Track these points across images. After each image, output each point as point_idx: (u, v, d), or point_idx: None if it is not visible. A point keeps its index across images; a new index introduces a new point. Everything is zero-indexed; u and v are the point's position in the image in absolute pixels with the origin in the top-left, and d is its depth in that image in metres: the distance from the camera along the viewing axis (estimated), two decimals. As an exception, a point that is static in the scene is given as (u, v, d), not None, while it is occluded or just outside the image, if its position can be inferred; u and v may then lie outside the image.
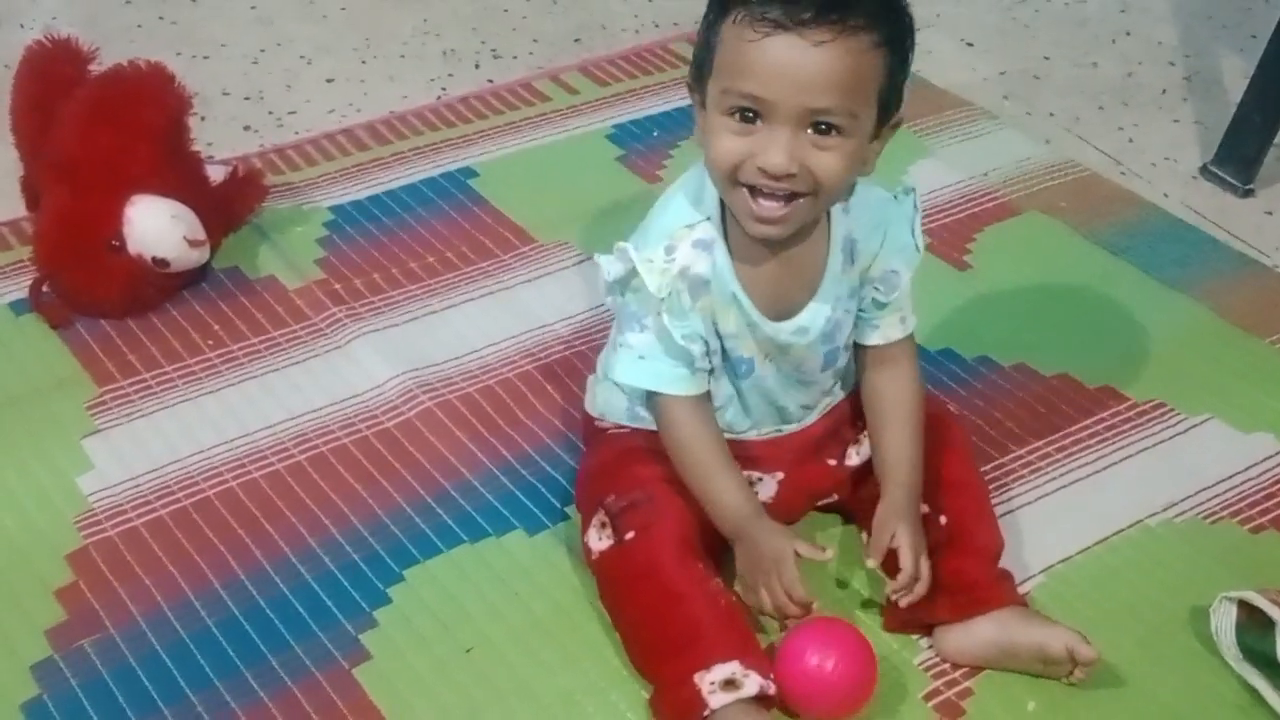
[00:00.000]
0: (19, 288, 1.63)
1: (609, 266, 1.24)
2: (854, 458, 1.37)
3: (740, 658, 1.19)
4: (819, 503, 1.40)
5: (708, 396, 1.29)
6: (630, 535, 1.26)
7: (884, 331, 1.32)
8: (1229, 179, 1.96)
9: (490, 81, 2.10)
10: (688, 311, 1.23)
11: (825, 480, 1.38)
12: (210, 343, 1.59)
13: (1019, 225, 1.86)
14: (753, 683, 1.18)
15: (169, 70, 1.62)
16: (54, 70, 1.64)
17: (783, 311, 1.25)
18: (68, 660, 1.25)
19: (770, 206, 1.16)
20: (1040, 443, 1.52)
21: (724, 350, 1.28)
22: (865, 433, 1.35)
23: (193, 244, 1.57)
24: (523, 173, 1.91)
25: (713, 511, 1.26)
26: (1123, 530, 1.42)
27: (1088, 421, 1.55)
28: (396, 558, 1.36)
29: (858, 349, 1.34)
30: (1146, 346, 1.66)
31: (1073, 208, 1.89)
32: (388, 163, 1.90)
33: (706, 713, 1.17)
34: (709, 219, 1.23)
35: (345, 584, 1.33)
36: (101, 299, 1.57)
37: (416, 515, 1.40)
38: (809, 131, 1.13)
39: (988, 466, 1.48)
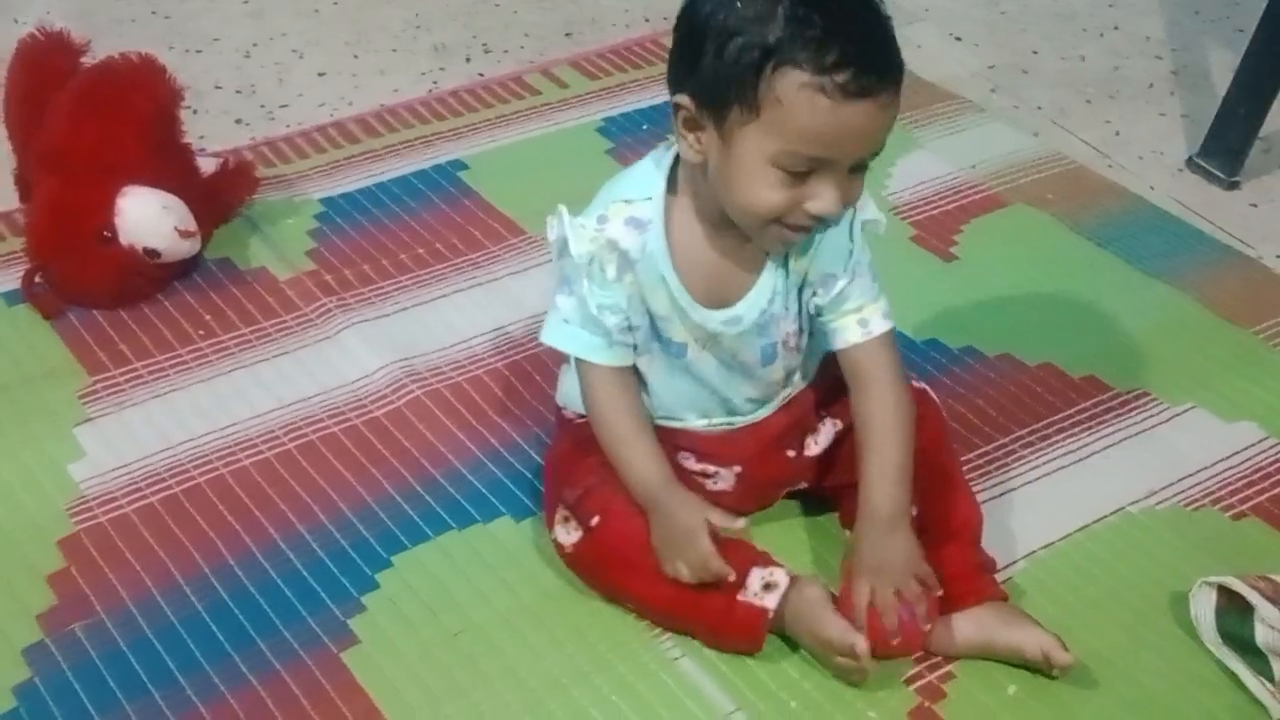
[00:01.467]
0: (11, 279, 1.64)
1: (550, 228, 1.25)
2: (813, 447, 1.37)
3: (755, 565, 1.25)
4: (787, 490, 1.40)
5: (629, 370, 1.29)
6: (595, 520, 1.28)
7: (843, 335, 1.28)
8: (1215, 171, 1.97)
9: (481, 75, 2.11)
10: (609, 283, 1.24)
11: (786, 471, 1.38)
12: (201, 332, 1.60)
13: (1006, 217, 1.87)
14: (782, 575, 1.25)
15: (160, 62, 1.63)
16: (46, 63, 1.65)
17: (719, 300, 1.26)
18: (59, 644, 1.26)
19: (796, 237, 1.19)
20: (1024, 431, 1.53)
21: (656, 330, 1.28)
22: (826, 419, 1.36)
23: (184, 235, 1.58)
24: (513, 165, 1.92)
25: (625, 479, 1.28)
26: (1105, 517, 1.44)
27: (1071, 410, 1.56)
28: (385, 544, 1.37)
29: (839, 359, 1.31)
30: (1130, 336, 1.68)
31: (1059, 200, 1.91)
32: (379, 155, 1.92)
33: (770, 616, 1.24)
34: (650, 199, 1.23)
35: (334, 570, 1.34)
36: (93, 289, 1.58)
37: (405, 502, 1.42)
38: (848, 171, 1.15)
39: (972, 454, 1.49)
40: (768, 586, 1.25)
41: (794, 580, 1.27)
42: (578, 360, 1.30)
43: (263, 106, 2.01)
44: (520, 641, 1.29)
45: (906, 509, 1.27)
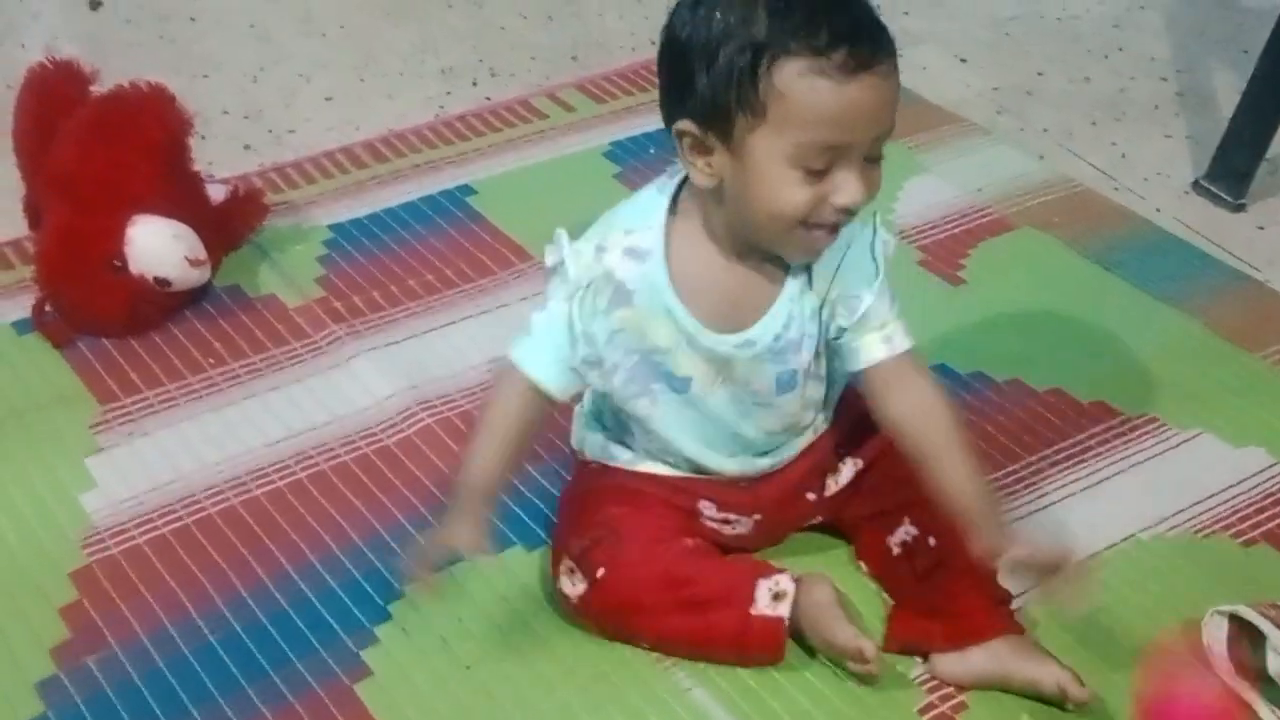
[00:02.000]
0: (21, 307, 1.64)
1: (549, 253, 1.24)
2: (833, 487, 1.37)
3: (759, 577, 1.27)
4: (801, 527, 1.40)
5: (544, 403, 1.25)
6: (601, 573, 1.27)
7: (866, 353, 1.25)
8: (1221, 194, 1.98)
9: (488, 99, 2.12)
10: (597, 313, 1.22)
11: (805, 513, 1.38)
12: (211, 360, 1.60)
13: (1013, 241, 1.88)
14: (787, 580, 1.28)
15: (169, 90, 1.64)
16: (56, 91, 1.66)
17: (732, 325, 1.23)
18: (72, 677, 1.26)
19: (825, 238, 1.17)
20: (1033, 458, 1.54)
21: (655, 366, 1.25)
22: (846, 459, 1.36)
23: (194, 263, 1.59)
24: (520, 190, 1.92)
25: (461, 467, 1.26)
26: (1115, 544, 1.44)
27: (1080, 436, 1.56)
28: (397, 574, 1.37)
29: (864, 381, 1.29)
30: (1138, 361, 1.68)
31: (1066, 223, 1.91)
32: (386, 181, 1.92)
33: (786, 624, 1.26)
34: (651, 227, 1.21)
35: (346, 600, 1.34)
36: (103, 318, 1.59)
37: (417, 531, 1.40)
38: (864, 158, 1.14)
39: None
40: (777, 596, 1.27)
41: (801, 582, 1.28)
42: (506, 363, 1.25)
43: (270, 131, 2.02)
44: (533, 672, 1.29)
45: (995, 509, 1.24)
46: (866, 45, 1.08)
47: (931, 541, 1.29)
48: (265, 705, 1.25)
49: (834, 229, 1.17)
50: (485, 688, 1.27)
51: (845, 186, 1.12)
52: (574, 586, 1.29)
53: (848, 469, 1.37)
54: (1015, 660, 1.27)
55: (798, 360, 1.26)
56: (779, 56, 1.08)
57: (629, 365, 1.26)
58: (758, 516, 1.35)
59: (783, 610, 1.27)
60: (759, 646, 1.28)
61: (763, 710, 1.26)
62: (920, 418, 1.25)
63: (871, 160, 1.14)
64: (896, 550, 1.33)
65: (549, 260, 1.24)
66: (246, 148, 1.97)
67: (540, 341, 1.24)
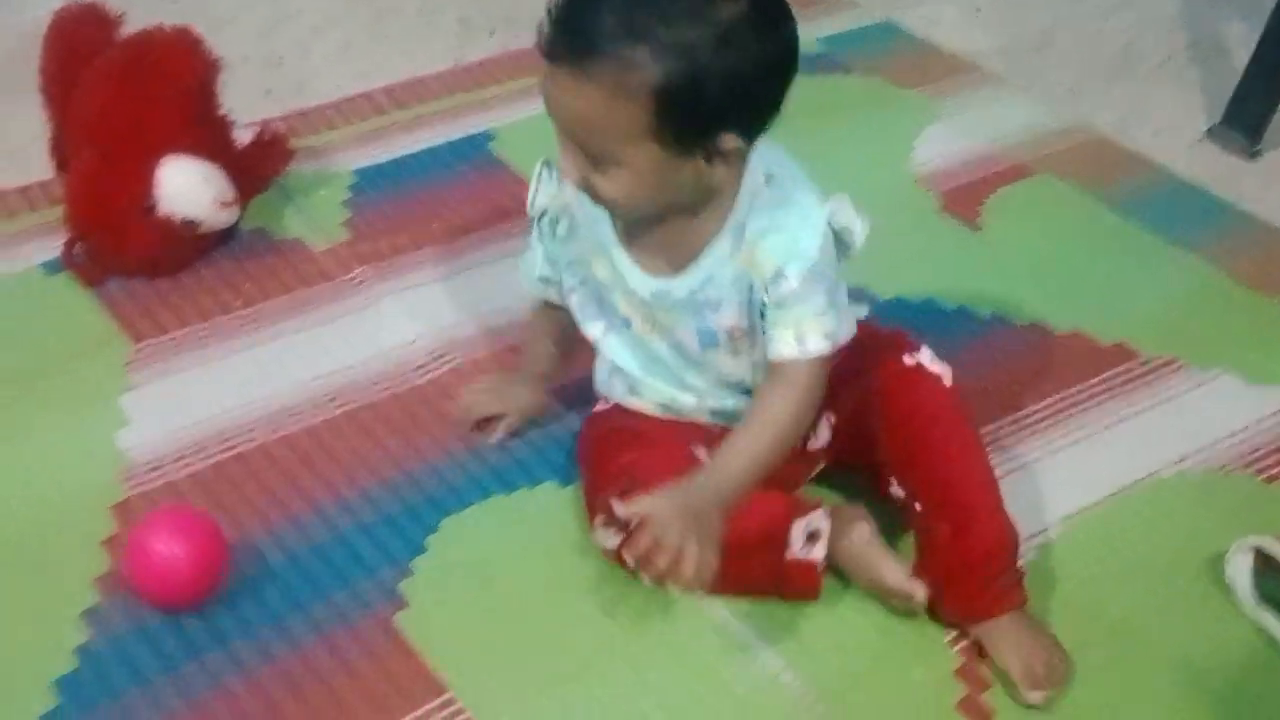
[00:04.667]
0: (49, 249, 1.65)
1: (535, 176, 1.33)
2: (814, 442, 1.37)
3: (794, 517, 1.28)
4: (807, 480, 1.40)
5: (556, 313, 1.40)
6: (635, 524, 1.26)
7: (775, 346, 1.24)
8: (1235, 142, 1.99)
9: (505, 49, 2.11)
10: (555, 240, 1.33)
11: (798, 471, 1.38)
12: (240, 302, 1.61)
13: (1029, 187, 1.89)
14: (821, 518, 1.28)
15: (196, 33, 1.64)
16: (82, 34, 1.65)
17: (664, 275, 1.26)
18: (116, 606, 1.27)
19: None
20: (1054, 399, 1.56)
21: (602, 300, 1.33)
22: (820, 417, 1.34)
23: (223, 205, 1.60)
24: (540, 136, 1.89)
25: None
26: (1137, 482, 1.46)
27: (1101, 378, 1.59)
28: (431, 509, 1.39)
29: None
30: (1157, 305, 1.70)
31: (1082, 171, 1.93)
32: (408, 126, 1.93)
33: (821, 567, 1.28)
34: None
35: (382, 535, 1.36)
36: (133, 259, 1.60)
37: (449, 468, 1.43)
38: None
39: (1005, 421, 1.51)
40: (811, 537, 1.28)
41: (835, 516, 1.29)
42: None
43: (290, 78, 2.02)
44: (568, 604, 1.31)
45: (735, 489, 1.23)
46: (558, 41, 1.12)
47: (917, 507, 1.30)
48: (305, 637, 1.26)
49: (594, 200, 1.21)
50: (521, 620, 1.30)
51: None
52: (611, 540, 1.30)
53: (822, 425, 1.36)
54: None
55: (717, 320, 1.28)
56: None
57: (582, 293, 1.34)
58: None
59: (818, 554, 1.27)
60: (795, 589, 1.30)
61: (798, 640, 1.29)
62: (769, 397, 1.26)
63: (590, 156, 1.16)
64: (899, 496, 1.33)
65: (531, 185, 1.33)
66: (268, 93, 1.97)
67: (528, 258, 1.40)
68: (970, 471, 1.31)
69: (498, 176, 1.84)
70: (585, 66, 1.10)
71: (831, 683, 1.25)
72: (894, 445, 1.31)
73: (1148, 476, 1.47)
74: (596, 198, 1.20)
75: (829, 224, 1.23)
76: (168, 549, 1.25)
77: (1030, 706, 1.24)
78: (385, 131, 1.92)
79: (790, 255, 1.22)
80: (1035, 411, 1.54)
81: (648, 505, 1.17)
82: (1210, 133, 2.02)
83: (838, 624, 1.30)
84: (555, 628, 1.29)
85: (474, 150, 1.89)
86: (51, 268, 1.63)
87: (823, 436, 1.38)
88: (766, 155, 1.23)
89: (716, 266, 1.25)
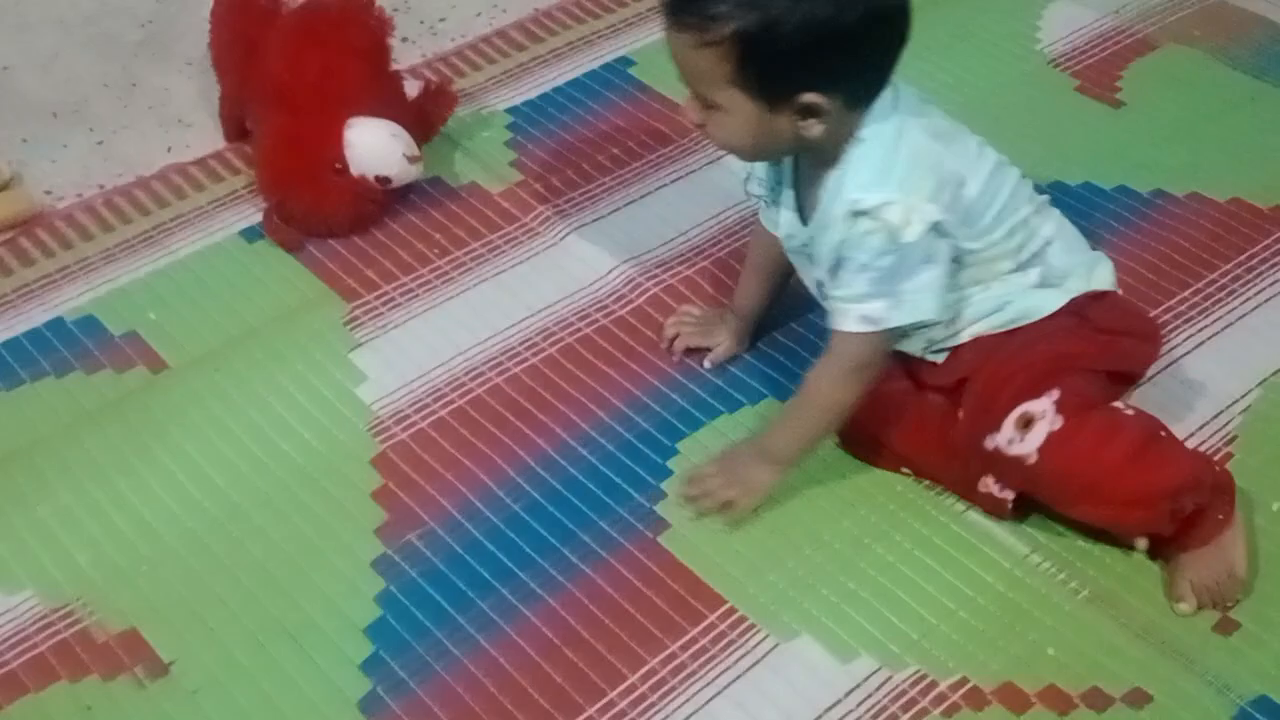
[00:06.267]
0: (245, 217, 1.71)
1: None
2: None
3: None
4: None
5: (769, 243, 1.46)
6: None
7: (830, 316, 1.33)
8: (1355, -12, 2.02)
9: (625, -34, 2.14)
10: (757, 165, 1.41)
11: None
12: (436, 252, 1.67)
13: (1160, 59, 1.93)
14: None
15: (366, -7, 1.69)
16: (252, 4, 1.70)
17: (804, 220, 1.35)
18: (402, 554, 1.36)
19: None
20: (1229, 265, 1.62)
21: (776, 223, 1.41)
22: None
23: (412, 160, 1.65)
24: (676, 57, 1.97)
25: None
26: (1327, 335, 1.53)
27: (1269, 240, 1.65)
28: (666, 433, 1.47)
29: None
30: (1307, 161, 1.76)
31: (1207, 35, 1.97)
32: (547, 60, 1.97)
33: (1010, 508, 1.36)
34: None
35: (627, 462, 1.44)
36: (331, 219, 1.65)
37: (672, 392, 1.51)
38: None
39: (1186, 292, 1.58)
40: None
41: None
42: None
43: (422, 21, 2.05)
44: (815, 509, 1.39)
45: (783, 457, 1.37)
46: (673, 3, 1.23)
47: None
48: (584, 563, 1.35)
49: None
50: (777, 527, 1.38)
51: None
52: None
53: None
54: None
55: (816, 272, 1.36)
56: None
57: (769, 213, 1.43)
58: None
59: (1008, 494, 1.35)
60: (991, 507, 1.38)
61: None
62: (813, 372, 1.36)
63: (701, 100, 1.26)
64: None
65: None
66: (404, 40, 2.01)
67: (745, 176, 1.46)
68: (1099, 511, 1.32)
69: (645, 102, 1.89)
70: (681, 18, 1.22)
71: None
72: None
73: (1335, 328, 1.54)
74: (712, 139, 1.33)
75: (869, 214, 1.26)
76: None
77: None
78: (527, 68, 1.95)
79: (827, 236, 1.30)
80: (1213, 280, 1.60)
81: (695, 468, 1.40)
82: (1328, -16, 2.05)
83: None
84: (808, 531, 1.37)
85: (617, 77, 1.93)
86: (250, 235, 1.69)
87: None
88: (875, 133, 1.27)
89: (828, 222, 1.31)
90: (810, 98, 1.23)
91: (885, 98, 1.27)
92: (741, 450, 1.41)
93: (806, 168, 1.34)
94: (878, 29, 1.23)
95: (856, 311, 1.30)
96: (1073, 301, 1.36)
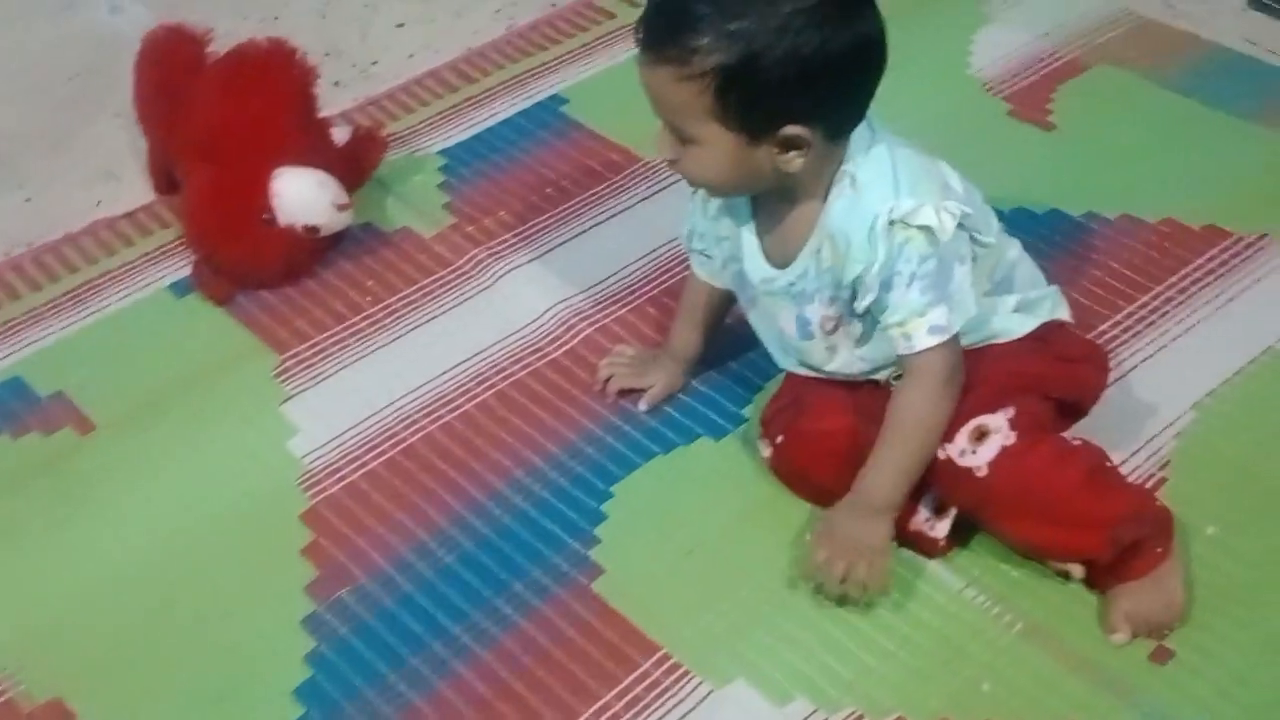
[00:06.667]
0: (174, 270, 1.70)
1: None
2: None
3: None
4: None
5: (706, 289, 1.48)
6: (780, 440, 1.39)
7: (893, 345, 1.30)
8: (1278, 6, 2.03)
9: (553, 4, 2.15)
10: (708, 217, 1.40)
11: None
12: (369, 299, 1.67)
13: (1090, 80, 1.94)
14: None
15: (289, 44, 1.68)
16: (175, 53, 1.69)
17: (779, 263, 1.33)
18: (332, 611, 1.35)
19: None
20: (1161, 287, 1.62)
21: (739, 274, 1.39)
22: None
23: (340, 208, 1.64)
24: (609, 92, 1.97)
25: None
26: (1256, 358, 1.53)
27: (1200, 260, 1.65)
28: (600, 476, 1.46)
29: None
30: (1239, 181, 1.76)
31: (1136, 56, 1.97)
32: (479, 100, 1.96)
33: (943, 545, 1.36)
34: None
35: (560, 507, 1.43)
36: (262, 270, 1.64)
37: (607, 435, 1.50)
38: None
39: (1119, 315, 1.58)
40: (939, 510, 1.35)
41: None
42: None
43: (354, 65, 2.05)
44: (750, 548, 1.38)
45: (891, 503, 1.32)
46: (641, 31, 1.22)
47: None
48: (516, 614, 1.34)
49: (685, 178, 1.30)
50: (711, 568, 1.37)
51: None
52: (765, 450, 1.40)
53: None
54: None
55: (812, 311, 1.34)
56: None
57: (731, 270, 1.40)
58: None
59: (941, 531, 1.35)
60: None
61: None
62: (898, 403, 1.31)
63: (676, 135, 1.25)
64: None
65: None
66: (336, 84, 2.00)
67: (689, 222, 1.45)
68: (1040, 532, 1.32)
69: (577, 139, 1.89)
70: (661, 51, 1.20)
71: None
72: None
73: (1263, 353, 1.53)
74: (685, 175, 1.29)
75: (904, 221, 1.25)
76: None
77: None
78: (459, 109, 1.95)
79: (859, 259, 1.27)
80: (1145, 304, 1.60)
81: (808, 563, 1.33)
82: (1252, 1, 2.06)
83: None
84: (743, 571, 1.36)
85: (549, 115, 1.93)
86: (179, 289, 1.68)
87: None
88: (869, 157, 1.27)
89: (814, 264, 1.31)
90: (792, 130, 1.21)
91: (861, 128, 1.27)
92: (839, 516, 1.33)
93: (772, 206, 1.32)
94: (861, 59, 1.22)
95: (924, 325, 1.27)
96: (1042, 326, 1.38)
